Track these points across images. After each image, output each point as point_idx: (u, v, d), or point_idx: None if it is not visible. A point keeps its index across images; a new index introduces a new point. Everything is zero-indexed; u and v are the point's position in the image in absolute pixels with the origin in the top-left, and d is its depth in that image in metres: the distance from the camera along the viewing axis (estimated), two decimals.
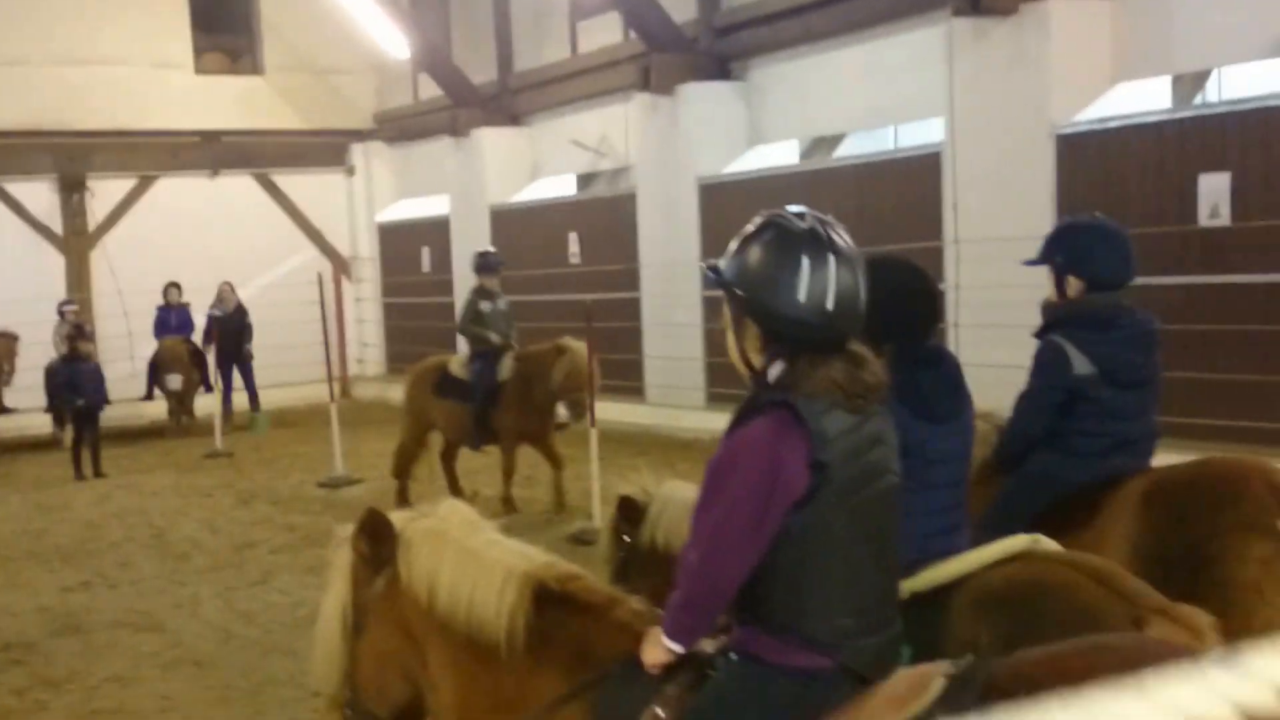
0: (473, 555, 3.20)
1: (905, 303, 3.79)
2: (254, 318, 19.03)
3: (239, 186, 22.03)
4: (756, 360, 2.83)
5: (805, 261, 2.72)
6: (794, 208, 2.86)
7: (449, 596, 3.15)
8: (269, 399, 19.67)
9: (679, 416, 15.01)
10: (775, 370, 2.78)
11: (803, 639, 2.70)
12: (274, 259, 22.09)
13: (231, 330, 18.33)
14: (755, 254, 2.78)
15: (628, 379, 16.47)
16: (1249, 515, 4.24)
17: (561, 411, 11.19)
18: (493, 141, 20.03)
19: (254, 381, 18.95)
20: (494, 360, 11.46)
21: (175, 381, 18.20)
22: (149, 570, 10.17)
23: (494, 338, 11.61)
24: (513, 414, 11.20)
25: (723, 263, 2.88)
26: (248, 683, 7.25)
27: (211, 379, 18.29)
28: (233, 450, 16.24)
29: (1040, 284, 12.43)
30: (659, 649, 2.82)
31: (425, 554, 3.22)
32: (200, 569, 10.10)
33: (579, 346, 11.07)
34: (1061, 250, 4.93)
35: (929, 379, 3.82)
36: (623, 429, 14.64)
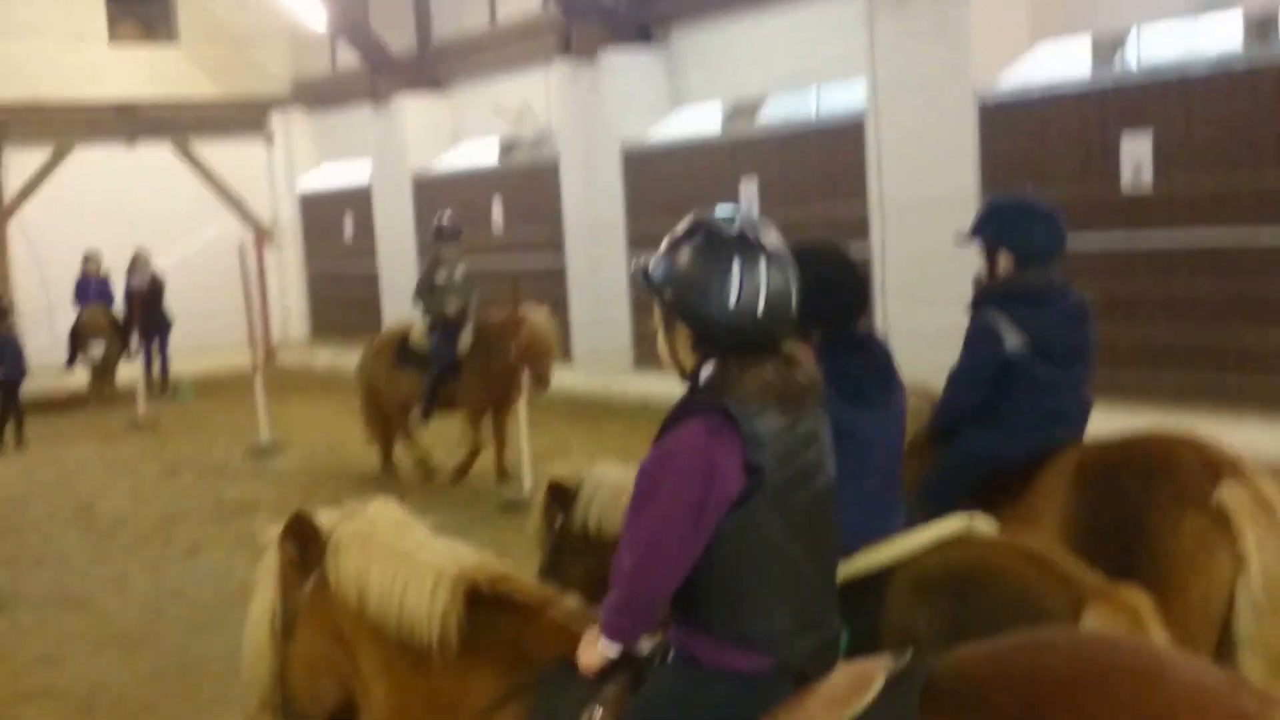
0: (403, 558, 3.10)
1: (833, 290, 3.74)
2: (175, 286, 18.67)
3: (157, 156, 21.45)
4: (688, 361, 2.77)
5: (736, 265, 2.66)
6: (724, 209, 2.79)
7: (379, 600, 3.05)
8: (192, 365, 19.31)
9: (607, 382, 14.93)
10: (707, 371, 2.72)
11: (740, 640, 2.66)
12: (194, 227, 21.64)
13: (150, 298, 17.90)
14: (685, 257, 2.71)
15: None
16: (1182, 489, 4.24)
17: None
18: (413, 109, 19.71)
19: (167, 351, 18.53)
20: (454, 331, 11.06)
21: (97, 351, 17.79)
22: (75, 545, 9.91)
23: (450, 308, 11.15)
24: (475, 385, 10.84)
25: (652, 263, 2.79)
26: (179, 661, 7.07)
27: (132, 348, 17.87)
28: (157, 419, 15.89)
29: (965, 248, 12.59)
30: (596, 650, 2.76)
31: (354, 557, 3.12)
32: (127, 543, 9.86)
33: (539, 315, 10.77)
34: (991, 227, 4.89)
35: (859, 364, 3.77)
36: (551, 395, 14.46)
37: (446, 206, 18.97)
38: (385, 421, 11.48)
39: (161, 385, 18.28)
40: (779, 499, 2.65)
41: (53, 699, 6.64)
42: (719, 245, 2.68)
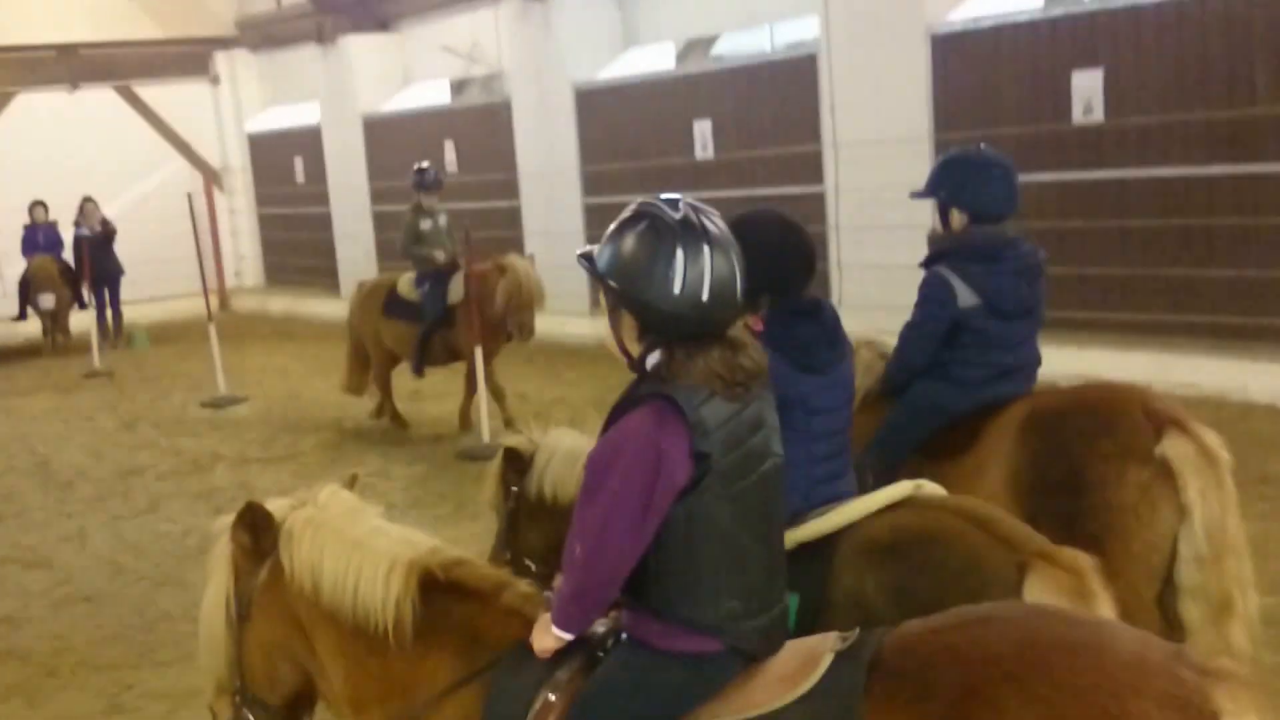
0: (356, 545, 3.11)
1: (780, 257, 3.72)
2: (124, 233, 18.31)
3: (101, 100, 21.03)
4: (633, 348, 2.76)
5: (679, 254, 2.63)
6: (668, 196, 2.75)
7: (334, 587, 3.07)
8: (145, 313, 19.08)
9: (563, 323, 14.87)
10: (653, 359, 2.72)
11: (690, 624, 2.68)
12: (142, 172, 21.30)
13: (100, 246, 17.64)
14: (628, 245, 2.69)
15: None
16: (1127, 442, 4.30)
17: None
18: (361, 48, 19.40)
19: (119, 300, 18.30)
20: (444, 280, 10.69)
21: (48, 301, 17.57)
22: (34, 501, 9.84)
23: (439, 256, 10.82)
24: (470, 333, 10.32)
25: (596, 250, 2.77)
26: (141, 619, 7.07)
27: (85, 297, 17.64)
28: (112, 369, 15.72)
29: (916, 183, 12.58)
30: (549, 637, 2.79)
31: (307, 545, 3.13)
32: (86, 498, 9.80)
33: (521, 264, 10.48)
34: (945, 184, 4.90)
35: (807, 331, 3.77)
36: None
37: (398, 148, 18.84)
38: (380, 372, 11.26)
39: (115, 334, 18.06)
40: (727, 485, 2.67)
41: (17, 659, 6.63)
42: (663, 232, 2.66)
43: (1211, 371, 10.05)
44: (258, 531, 3.19)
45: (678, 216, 2.67)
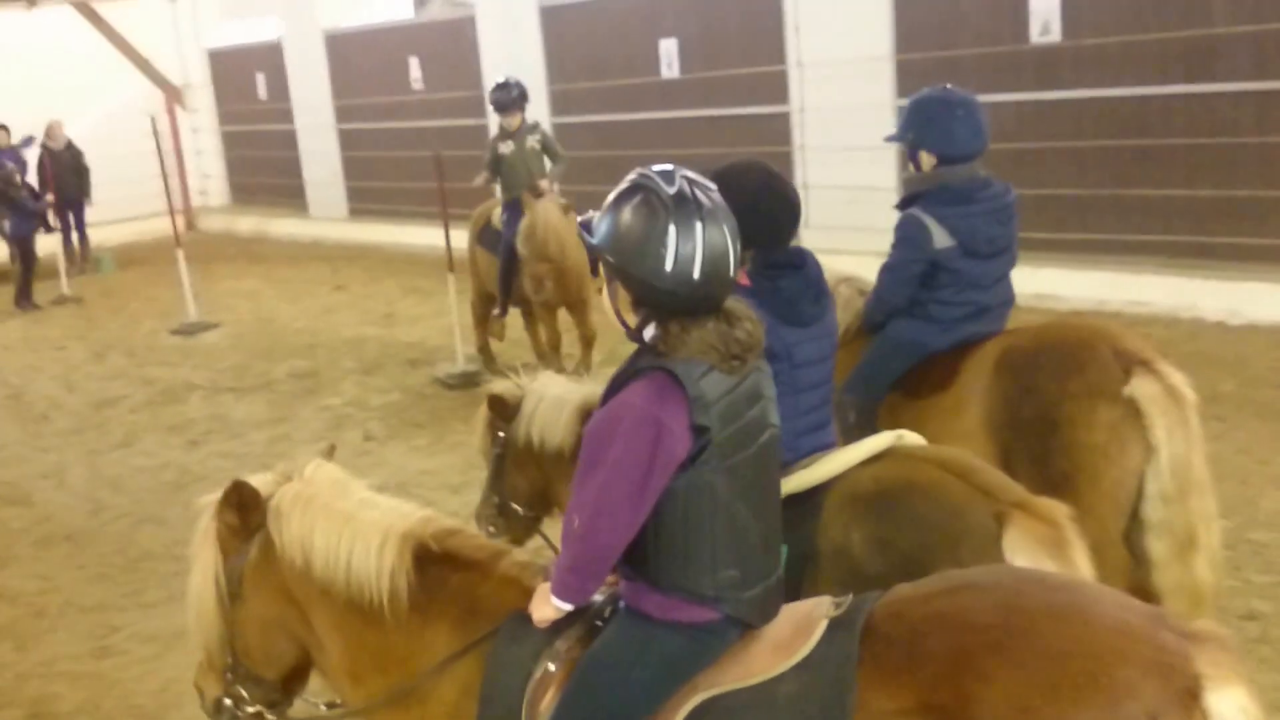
0: (347, 518, 3.06)
1: (764, 209, 3.65)
2: (87, 153, 17.87)
3: (58, 18, 20.40)
4: (631, 320, 2.74)
5: (672, 230, 2.59)
6: (662, 167, 2.69)
7: (326, 562, 3.02)
8: (109, 236, 18.75)
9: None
10: (649, 332, 2.70)
11: (689, 594, 2.68)
12: (101, 92, 20.70)
13: (66, 168, 17.25)
14: (623, 220, 2.64)
15: (476, 207, 16.05)
16: (1096, 381, 4.32)
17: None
18: None
19: (84, 223, 17.95)
20: (518, 213, 9.22)
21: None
22: (10, 435, 9.73)
23: (500, 188, 9.63)
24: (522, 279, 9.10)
25: (594, 221, 2.72)
26: (124, 558, 7.04)
27: (51, 220, 17.28)
28: (80, 295, 15.49)
29: (879, 104, 12.46)
30: (548, 607, 2.78)
31: (297, 520, 3.08)
32: (62, 431, 9.70)
33: (543, 207, 8.86)
34: (913, 126, 4.84)
35: (792, 284, 3.74)
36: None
37: (361, 64, 18.43)
38: (474, 300, 10.08)
39: (82, 258, 17.74)
40: (725, 457, 2.65)
41: (5, 600, 6.60)
42: (656, 208, 2.61)
43: (1163, 290, 10.13)
44: (245, 510, 3.14)
45: (672, 191, 2.62)
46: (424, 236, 16.50)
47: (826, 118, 12.37)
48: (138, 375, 11.25)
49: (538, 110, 15.42)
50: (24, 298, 15.20)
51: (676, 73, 14.03)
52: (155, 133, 13.45)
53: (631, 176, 2.70)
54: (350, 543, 3.01)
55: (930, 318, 4.81)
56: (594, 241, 2.70)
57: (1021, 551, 3.31)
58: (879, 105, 12.01)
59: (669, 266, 2.59)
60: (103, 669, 5.71)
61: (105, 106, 20.66)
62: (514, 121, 9.69)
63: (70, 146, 17.57)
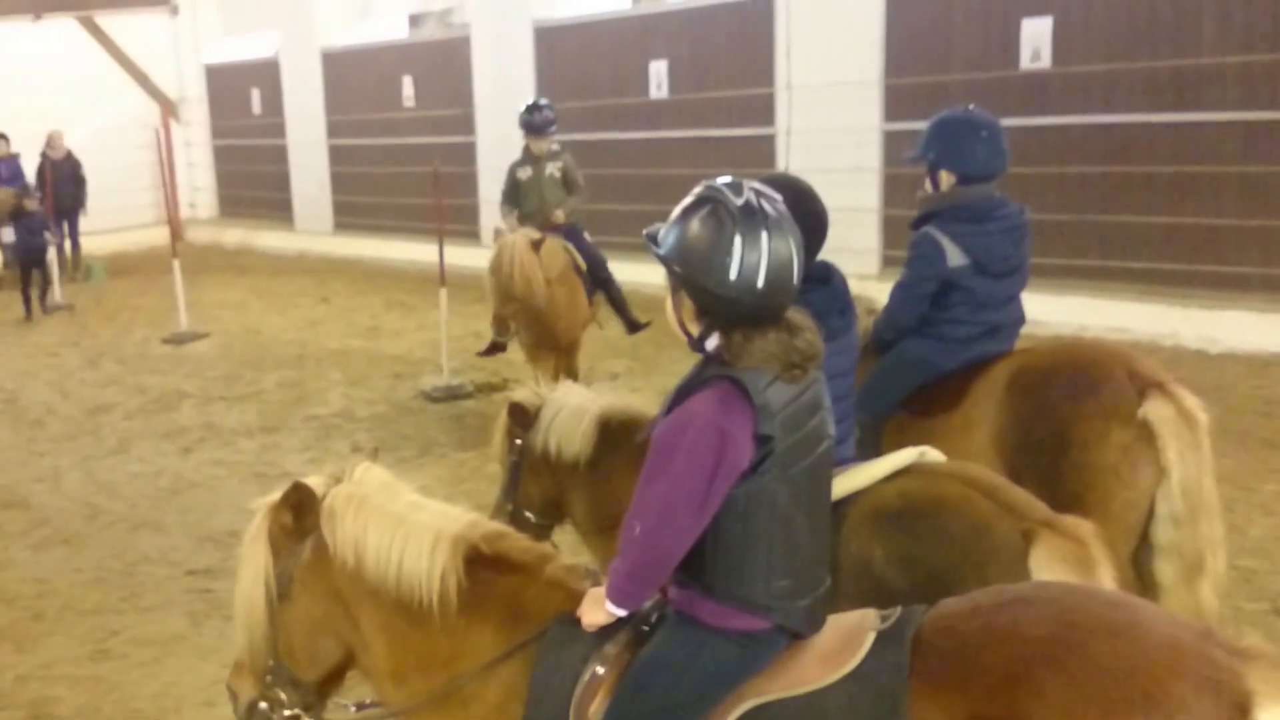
0: (398, 520, 3.02)
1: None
2: (82, 162, 17.71)
3: (63, 30, 20.25)
4: (693, 329, 2.70)
5: (738, 240, 2.56)
6: (729, 179, 2.65)
7: (377, 562, 2.99)
8: (99, 245, 18.54)
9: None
10: (712, 342, 2.66)
11: (743, 603, 2.63)
12: (98, 103, 20.58)
13: (64, 177, 17.10)
14: (690, 230, 2.62)
15: (466, 223, 16.02)
16: (1110, 403, 4.28)
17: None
18: None
19: (78, 232, 17.76)
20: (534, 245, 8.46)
21: (8, 234, 16.92)
22: (5, 439, 9.54)
23: (510, 221, 8.68)
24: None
25: (661, 232, 2.68)
26: (121, 562, 6.88)
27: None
28: (73, 303, 15.30)
29: (866, 127, 12.48)
30: (600, 611, 2.72)
31: (349, 521, 3.04)
32: (56, 437, 9.52)
33: (510, 240, 8.09)
34: (935, 145, 4.79)
35: (820, 297, 3.68)
36: (462, 274, 14.28)
37: (356, 82, 18.36)
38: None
39: (74, 266, 17.54)
40: (786, 467, 2.61)
41: (3, 603, 6.44)
42: (723, 219, 2.58)
43: (1144, 317, 10.15)
44: (302, 511, 3.08)
45: (739, 202, 2.58)
46: (408, 251, 16.45)
47: (812, 140, 12.37)
48: (131, 383, 11.09)
49: None
50: (38, 302, 14.87)
51: (666, 94, 14.02)
52: (159, 145, 13.36)
53: (699, 189, 2.67)
54: (402, 544, 2.96)
55: (941, 336, 4.76)
56: (661, 252, 2.66)
57: (1048, 569, 3.25)
58: (865, 129, 12.03)
59: (734, 275, 2.55)
60: (102, 672, 5.57)
61: (100, 118, 20.52)
62: (542, 146, 8.91)
63: (70, 156, 17.46)
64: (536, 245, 8.08)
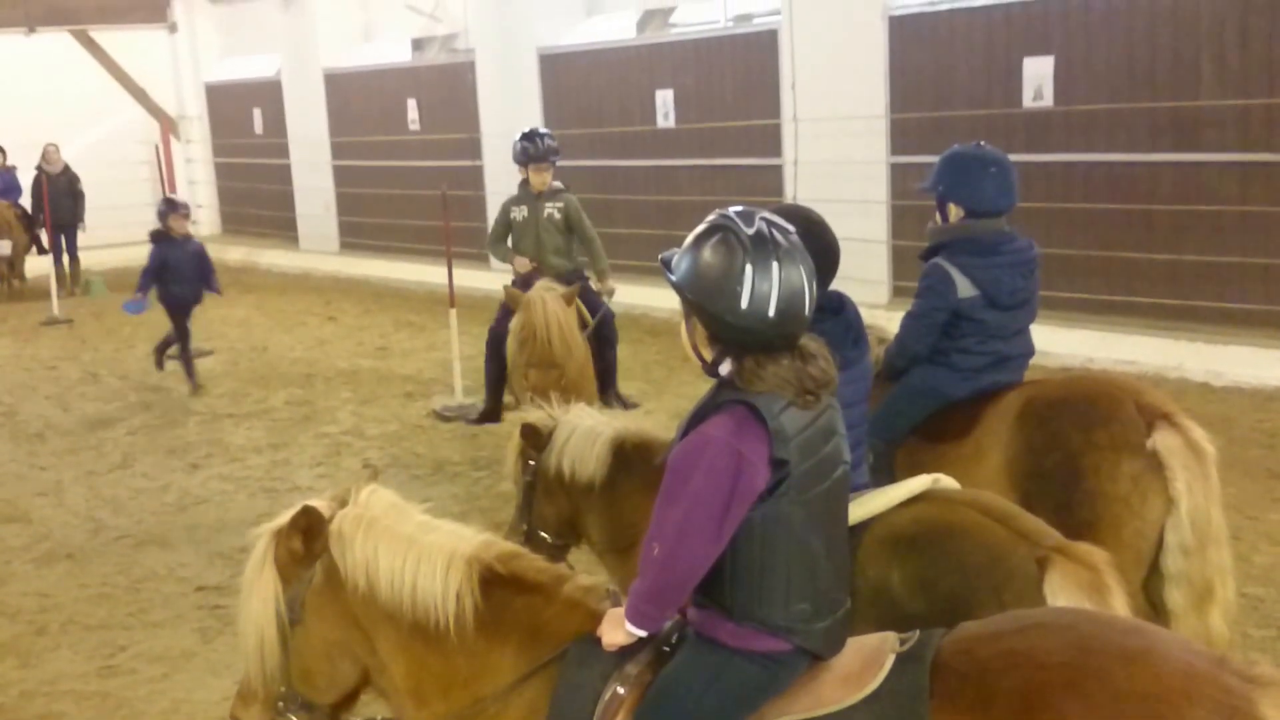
0: (410, 541, 3.03)
1: None
2: (81, 177, 17.76)
3: (57, 44, 20.36)
4: (707, 354, 2.76)
5: (749, 269, 2.62)
6: (741, 208, 2.73)
7: (391, 585, 2.98)
8: (98, 260, 18.57)
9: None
10: (725, 367, 2.72)
11: (763, 625, 2.68)
12: (97, 118, 20.68)
13: (61, 191, 17.17)
14: (703, 258, 2.67)
15: (474, 246, 16.08)
16: (1121, 435, 4.36)
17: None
18: (324, 1, 18.92)
19: (76, 246, 17.80)
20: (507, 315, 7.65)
21: (4, 247, 17.06)
22: (5, 453, 9.57)
23: (518, 262, 7.91)
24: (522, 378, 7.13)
25: (675, 258, 2.74)
26: (127, 578, 6.92)
27: (44, 241, 17.20)
28: (71, 317, 15.35)
29: (872, 160, 12.58)
30: (620, 632, 2.76)
31: (359, 544, 3.03)
32: (58, 451, 9.55)
33: (539, 299, 7.04)
34: (945, 178, 4.89)
35: (833, 328, 3.75)
36: (472, 296, 14.36)
37: (360, 103, 18.47)
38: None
39: (72, 280, 17.59)
40: (801, 491, 2.67)
41: (5, 617, 6.47)
42: (734, 248, 2.64)
43: (1150, 350, 10.23)
44: (311, 535, 3.09)
45: (750, 231, 2.65)
46: (416, 273, 16.52)
47: (819, 171, 12.47)
48: (134, 398, 11.13)
49: None
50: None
51: (672, 123, 14.14)
52: (159, 161, 13.45)
53: (711, 217, 2.73)
54: (415, 565, 2.97)
55: (952, 366, 4.85)
56: (674, 279, 2.72)
57: (1063, 595, 3.31)
58: (872, 162, 12.15)
59: (745, 304, 2.61)
60: (109, 688, 5.59)
61: (99, 133, 20.62)
62: (543, 179, 8.03)
63: (66, 170, 17.51)
64: (569, 298, 7.21)
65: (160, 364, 11.38)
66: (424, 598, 2.94)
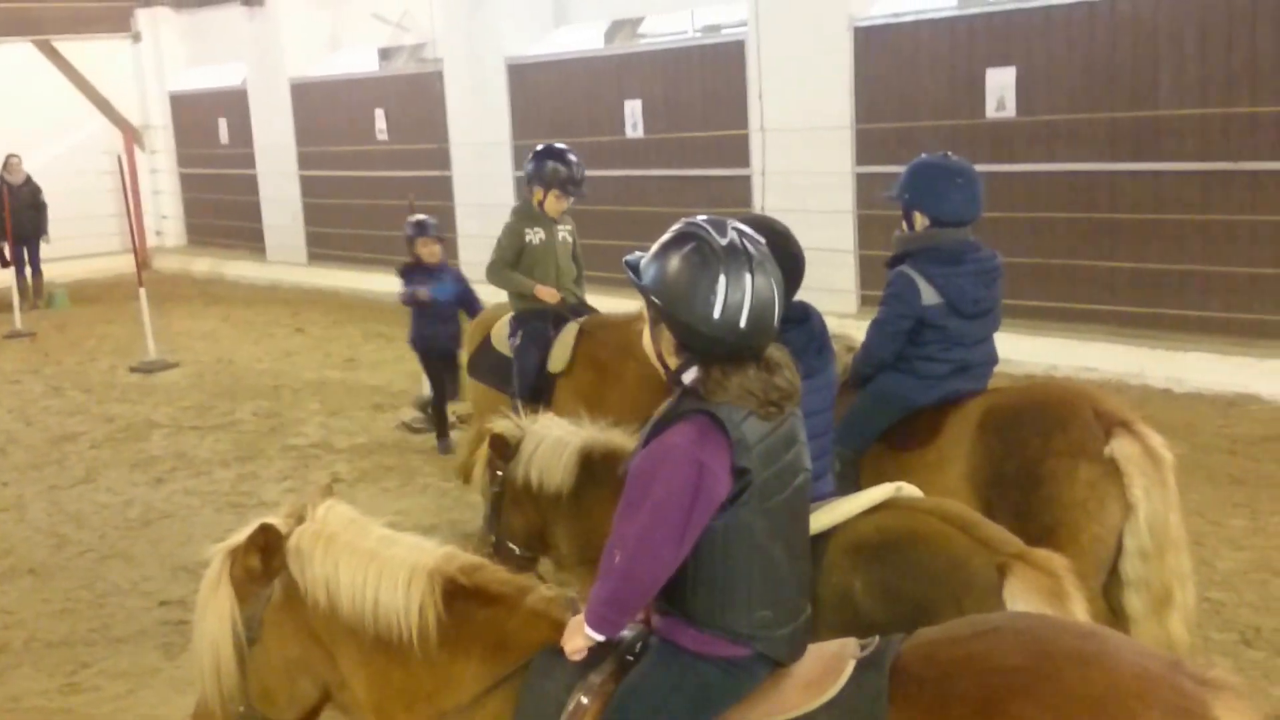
0: (371, 556, 3.03)
1: None
2: (43, 188, 17.63)
3: (19, 54, 20.21)
4: (672, 362, 2.78)
5: (722, 280, 2.63)
6: (716, 218, 2.74)
7: (352, 599, 2.98)
8: (61, 272, 18.43)
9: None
10: (690, 375, 2.73)
11: (725, 632, 2.71)
12: (60, 129, 20.52)
13: (23, 203, 17.04)
14: (673, 265, 2.68)
15: (444, 257, 16.05)
16: (1079, 441, 4.43)
17: None
18: (289, 10, 18.86)
19: (39, 258, 17.65)
20: (545, 330, 6.95)
21: None
22: None
23: (543, 292, 6.95)
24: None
25: (643, 263, 2.76)
26: (90, 593, 6.87)
27: (6, 254, 17.06)
28: (34, 330, 15.21)
29: (838, 170, 12.64)
30: (580, 638, 2.78)
31: (319, 560, 3.03)
32: (20, 465, 9.47)
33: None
34: (911, 187, 4.95)
35: (797, 338, 3.80)
36: None
37: (326, 113, 18.40)
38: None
39: (35, 294, 17.44)
40: (763, 500, 2.69)
41: None
42: (708, 258, 2.65)
43: (1112, 357, 10.35)
44: (269, 553, 3.08)
45: (724, 242, 2.66)
46: (385, 283, 16.38)
47: (787, 182, 12.54)
48: (97, 412, 11.05)
49: (502, 165, 15.55)
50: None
51: (641, 133, 14.18)
52: (122, 172, 13.35)
53: (680, 225, 2.74)
54: (377, 579, 2.97)
55: (916, 373, 4.90)
56: (642, 284, 2.73)
57: (1022, 601, 3.36)
58: (838, 172, 12.23)
59: (717, 314, 2.63)
60: (73, 705, 5.56)
61: (63, 144, 20.47)
62: (561, 206, 7.18)
63: (29, 182, 17.39)
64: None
65: (416, 427, 9.50)
66: (386, 611, 2.94)
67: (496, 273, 7.11)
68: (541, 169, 7.09)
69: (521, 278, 7.02)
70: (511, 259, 7.07)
